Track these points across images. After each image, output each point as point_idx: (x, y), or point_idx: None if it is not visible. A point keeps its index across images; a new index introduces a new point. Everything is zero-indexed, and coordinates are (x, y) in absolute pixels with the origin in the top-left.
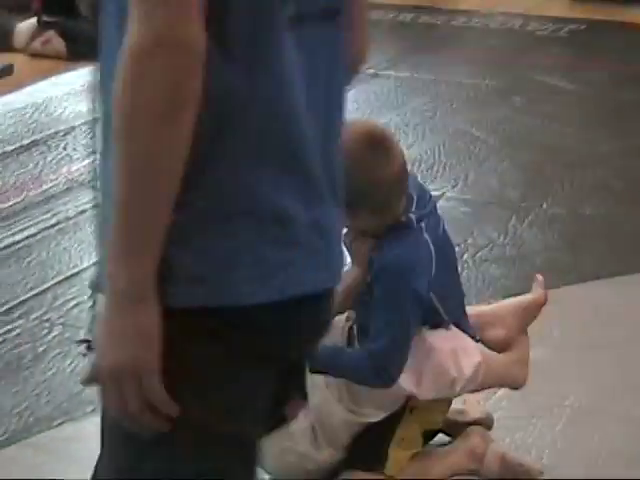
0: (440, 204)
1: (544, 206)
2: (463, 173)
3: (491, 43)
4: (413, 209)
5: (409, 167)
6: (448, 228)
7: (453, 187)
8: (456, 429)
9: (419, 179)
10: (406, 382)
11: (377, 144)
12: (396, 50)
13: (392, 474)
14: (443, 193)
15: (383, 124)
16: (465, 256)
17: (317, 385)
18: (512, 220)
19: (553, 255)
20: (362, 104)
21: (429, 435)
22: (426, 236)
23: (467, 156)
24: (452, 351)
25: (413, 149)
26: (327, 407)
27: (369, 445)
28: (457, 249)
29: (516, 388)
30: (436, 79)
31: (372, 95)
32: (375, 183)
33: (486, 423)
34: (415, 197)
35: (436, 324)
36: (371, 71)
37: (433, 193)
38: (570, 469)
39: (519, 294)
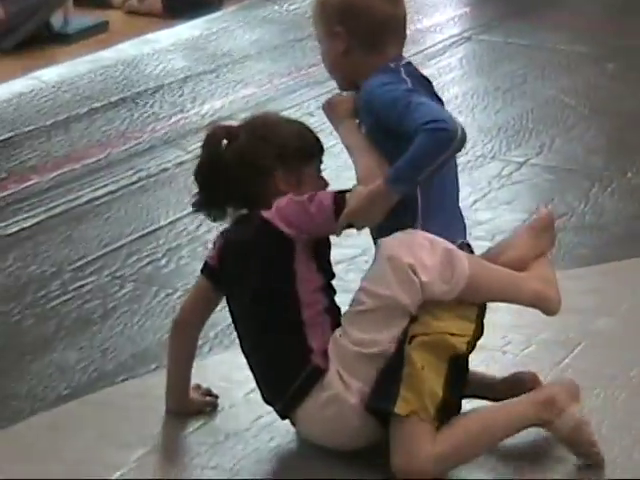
0: (523, 170)
1: (628, 175)
2: (549, 140)
3: (586, 9)
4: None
5: (494, 132)
6: (529, 194)
7: (537, 154)
8: (491, 388)
9: (504, 144)
10: (375, 287)
11: None
12: (490, 15)
13: (400, 413)
14: (527, 159)
15: (472, 88)
16: None
17: (334, 336)
18: (594, 188)
19: (633, 225)
20: (454, 68)
21: (464, 367)
22: (405, 77)
23: (554, 123)
24: (401, 241)
25: (500, 114)
26: (342, 350)
27: (381, 386)
28: (535, 216)
29: (548, 311)
30: (529, 44)
31: (464, 59)
32: (377, 12)
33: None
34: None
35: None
36: (465, 35)
37: (517, 159)
38: (626, 443)
39: (596, 264)
